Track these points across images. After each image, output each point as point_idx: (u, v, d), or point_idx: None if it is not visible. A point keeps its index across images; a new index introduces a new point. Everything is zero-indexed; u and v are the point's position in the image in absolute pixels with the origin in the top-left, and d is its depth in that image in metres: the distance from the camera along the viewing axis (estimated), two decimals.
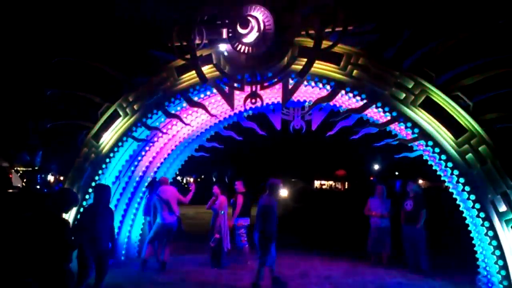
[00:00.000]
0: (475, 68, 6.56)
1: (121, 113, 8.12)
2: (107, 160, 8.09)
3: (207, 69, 7.32)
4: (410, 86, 6.60)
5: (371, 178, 54.08)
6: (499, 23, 6.22)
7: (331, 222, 18.62)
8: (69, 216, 7.61)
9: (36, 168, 40.60)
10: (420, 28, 6.78)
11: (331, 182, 74.55)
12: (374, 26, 6.79)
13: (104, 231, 6.09)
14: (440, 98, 6.51)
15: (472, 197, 6.38)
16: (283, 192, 42.01)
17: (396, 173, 51.44)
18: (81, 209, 7.38)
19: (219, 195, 8.74)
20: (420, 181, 42.00)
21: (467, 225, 7.02)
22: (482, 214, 6.31)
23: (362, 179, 57.05)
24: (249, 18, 6.45)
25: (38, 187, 38.52)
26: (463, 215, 7.04)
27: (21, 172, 42.47)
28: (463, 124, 6.41)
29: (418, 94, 6.58)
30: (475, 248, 6.95)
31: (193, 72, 7.33)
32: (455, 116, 6.45)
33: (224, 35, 6.84)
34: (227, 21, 6.77)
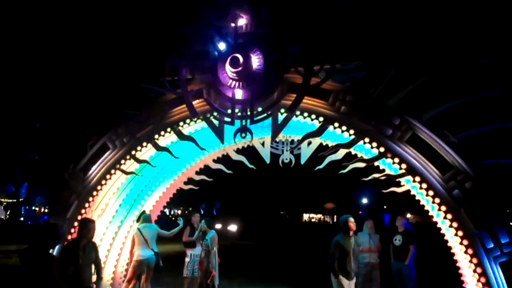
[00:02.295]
0: (461, 105, 6.70)
1: (110, 145, 8.09)
2: (94, 193, 8.00)
3: (197, 103, 7.39)
4: (396, 123, 6.72)
5: (360, 212, 53.96)
6: (481, 62, 6.45)
7: (318, 256, 18.37)
8: (55, 251, 7.43)
9: (21, 199, 39.82)
10: (407, 66, 6.96)
11: (320, 215, 74.26)
12: (361, 64, 6.97)
13: (87, 266, 5.95)
14: (426, 134, 6.63)
15: (460, 233, 6.39)
16: (232, 227, 38.27)
17: (385, 207, 51.50)
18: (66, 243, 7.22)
19: (207, 230, 8.47)
20: (409, 215, 42.01)
21: (456, 261, 7.01)
22: (470, 251, 6.31)
23: (351, 212, 56.84)
24: (239, 55, 6.58)
25: (22, 219, 37.72)
26: (451, 251, 7.04)
27: (5, 203, 41.65)
28: (449, 160, 6.51)
29: (404, 130, 6.69)
30: (463, 285, 6.91)
31: (184, 106, 7.39)
32: (441, 152, 6.55)
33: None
34: (217, 57, 6.90)
